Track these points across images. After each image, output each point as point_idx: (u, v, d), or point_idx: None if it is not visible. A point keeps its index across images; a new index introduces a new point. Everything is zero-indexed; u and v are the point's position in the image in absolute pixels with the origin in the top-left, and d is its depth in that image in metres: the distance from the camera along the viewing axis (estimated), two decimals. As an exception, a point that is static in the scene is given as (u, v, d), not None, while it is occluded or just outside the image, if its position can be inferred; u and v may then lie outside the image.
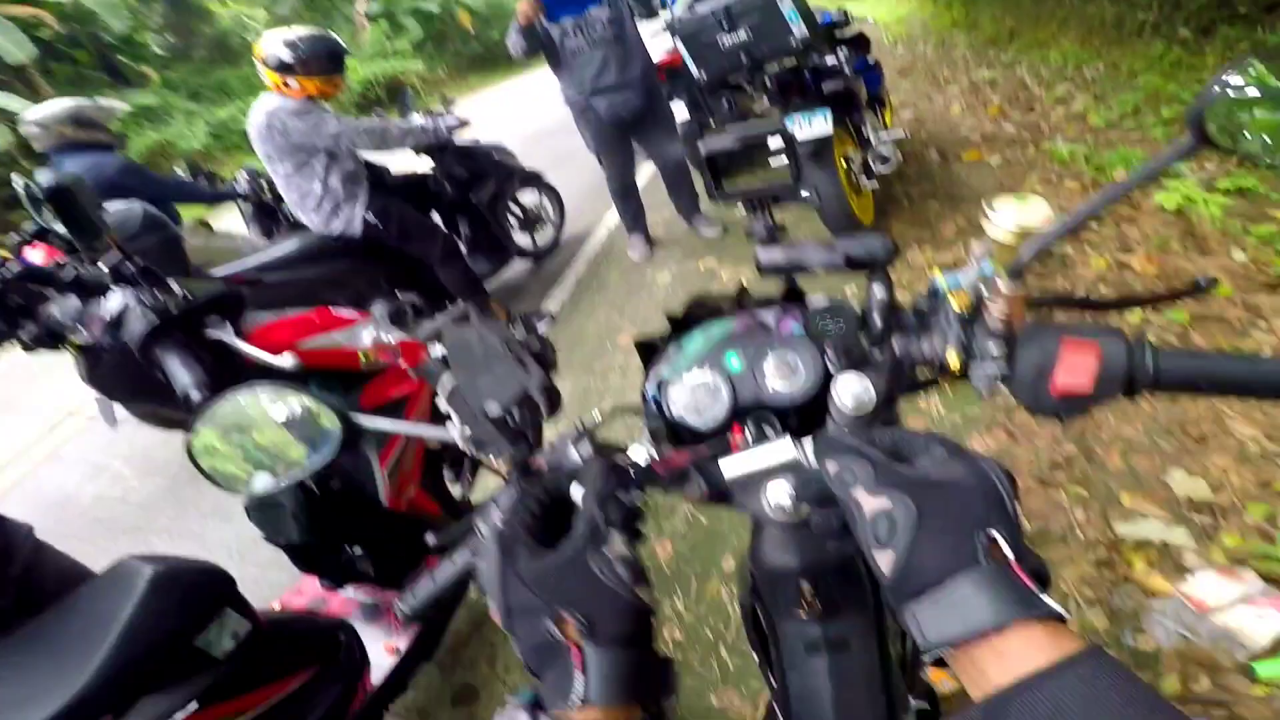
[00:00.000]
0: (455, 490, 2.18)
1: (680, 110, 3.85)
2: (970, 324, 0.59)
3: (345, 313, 1.74)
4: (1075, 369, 0.53)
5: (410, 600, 0.71)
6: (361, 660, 1.57)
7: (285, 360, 1.29)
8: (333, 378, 1.59)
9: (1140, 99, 4.63)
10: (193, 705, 1.10)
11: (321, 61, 3.01)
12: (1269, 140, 0.52)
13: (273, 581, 2.51)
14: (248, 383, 0.76)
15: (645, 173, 5.65)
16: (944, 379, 0.62)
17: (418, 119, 3.56)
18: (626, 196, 4.15)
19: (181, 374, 1.23)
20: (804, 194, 0.87)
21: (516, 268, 4.58)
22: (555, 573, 0.49)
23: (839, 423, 0.64)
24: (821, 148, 3.08)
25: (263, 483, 0.75)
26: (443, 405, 0.61)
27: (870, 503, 0.45)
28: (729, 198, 0.86)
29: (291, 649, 1.39)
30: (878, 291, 0.66)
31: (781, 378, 0.73)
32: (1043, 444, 2.28)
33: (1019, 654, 0.37)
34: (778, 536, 0.70)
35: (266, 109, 2.96)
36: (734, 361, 0.75)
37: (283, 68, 2.94)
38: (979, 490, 0.43)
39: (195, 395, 1.19)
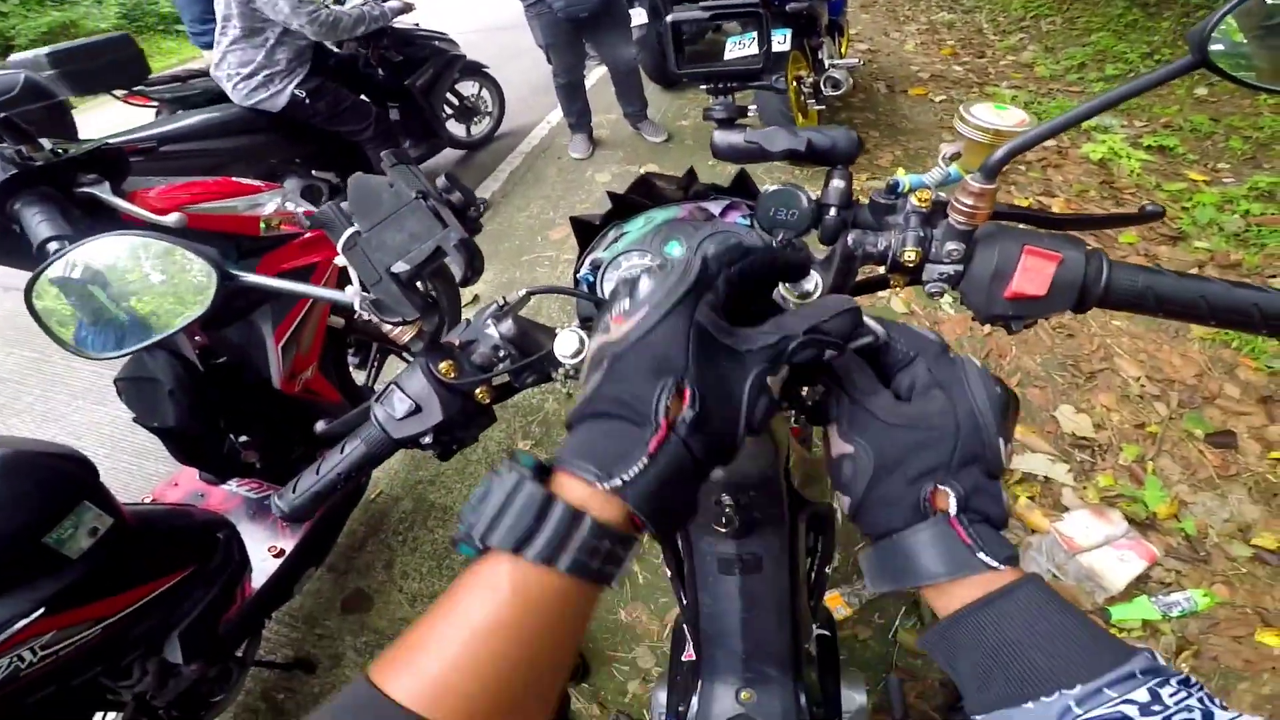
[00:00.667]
0: (359, 378, 2.06)
1: (639, 15, 3.69)
2: (930, 223, 0.56)
3: (250, 182, 1.57)
4: (1033, 275, 0.52)
5: (290, 497, 0.63)
6: (241, 562, 1.45)
7: (170, 219, 1.14)
8: (229, 244, 1.44)
9: (1089, 55, 4.72)
10: (38, 611, 0.98)
11: None
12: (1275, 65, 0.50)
13: (150, 473, 2.36)
14: (110, 232, 0.65)
15: (594, 74, 5.39)
16: (895, 278, 0.59)
17: (362, 5, 3.31)
18: (573, 95, 4.00)
19: (39, 225, 1.07)
20: (775, 79, 0.80)
21: (448, 156, 4.39)
22: (723, 350, 0.39)
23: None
24: (776, 65, 3.01)
25: (118, 341, 0.65)
26: (340, 260, 0.52)
27: (838, 446, 0.45)
28: (691, 76, 0.79)
29: (161, 548, 1.27)
30: (837, 183, 0.61)
31: None
32: (952, 367, 2.38)
33: (959, 596, 0.40)
34: None
35: None
36: (675, 248, 0.70)
37: None
38: (944, 432, 0.42)
39: (53, 246, 1.04)
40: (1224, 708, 0.32)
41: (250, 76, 2.96)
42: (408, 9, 3.52)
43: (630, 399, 0.37)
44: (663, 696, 0.95)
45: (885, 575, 0.43)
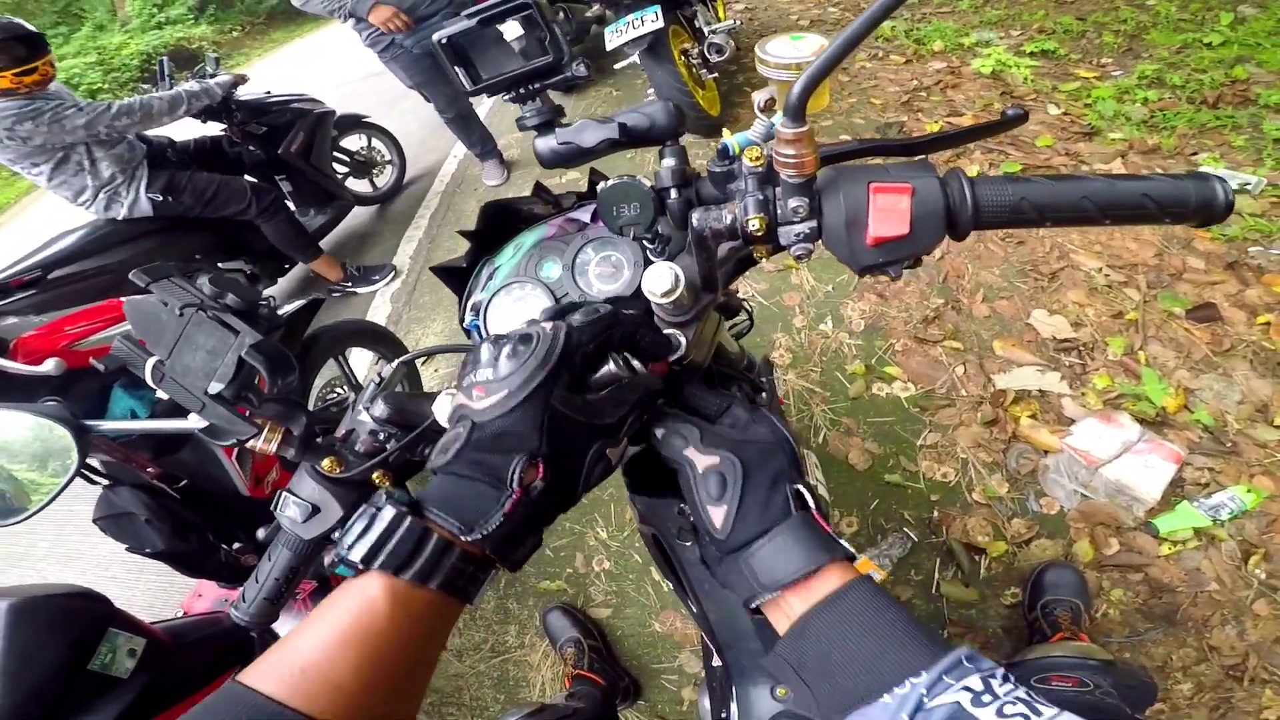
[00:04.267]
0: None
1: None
2: (769, 183, 0.51)
3: (143, 298, 1.53)
4: (889, 214, 0.46)
5: (244, 607, 0.63)
6: (282, 653, 1.49)
7: (47, 367, 1.11)
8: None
9: (954, -24, 4.75)
10: None
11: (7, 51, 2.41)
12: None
13: (182, 586, 2.31)
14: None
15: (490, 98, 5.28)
16: (757, 250, 0.54)
17: (183, 85, 3.10)
18: (467, 126, 3.81)
19: None
20: (574, 68, 0.73)
21: (361, 215, 4.26)
22: (572, 423, 0.47)
23: (662, 316, 0.59)
24: (656, 43, 3.00)
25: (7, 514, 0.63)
26: (160, 394, 0.50)
27: (703, 461, 0.50)
28: (489, 89, 0.74)
29: (203, 655, 1.32)
30: (668, 162, 0.57)
31: (605, 277, 0.67)
32: (912, 301, 2.34)
33: (818, 588, 0.45)
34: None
35: None
36: (551, 269, 0.69)
37: None
38: (780, 448, 0.51)
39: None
40: (1045, 704, 0.35)
41: (95, 198, 2.74)
42: (240, 81, 3.28)
43: (489, 465, 0.44)
44: (706, 704, 0.93)
45: (770, 574, 0.46)
